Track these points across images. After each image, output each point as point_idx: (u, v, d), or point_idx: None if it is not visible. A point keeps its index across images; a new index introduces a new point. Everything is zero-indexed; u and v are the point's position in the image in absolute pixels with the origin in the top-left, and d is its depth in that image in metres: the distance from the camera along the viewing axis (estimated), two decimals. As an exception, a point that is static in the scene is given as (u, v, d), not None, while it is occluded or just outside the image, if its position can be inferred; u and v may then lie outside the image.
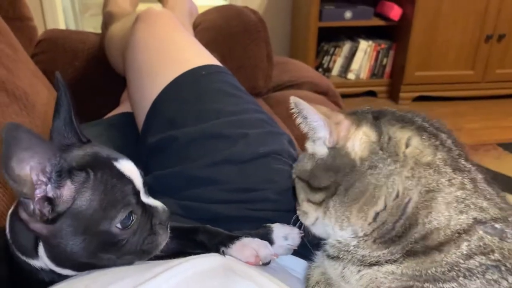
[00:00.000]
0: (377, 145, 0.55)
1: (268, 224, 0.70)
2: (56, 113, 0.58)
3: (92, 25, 3.44)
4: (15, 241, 0.56)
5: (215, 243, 0.64)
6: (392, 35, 3.24)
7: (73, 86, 1.43)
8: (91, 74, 1.53)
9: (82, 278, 0.55)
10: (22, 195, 0.50)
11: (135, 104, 1.08)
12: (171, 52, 1.08)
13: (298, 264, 0.71)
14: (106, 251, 0.55)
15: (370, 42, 3.25)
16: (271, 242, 0.67)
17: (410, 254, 0.51)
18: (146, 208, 0.57)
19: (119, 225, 0.53)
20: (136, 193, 0.56)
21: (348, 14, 3.09)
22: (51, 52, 1.54)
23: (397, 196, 0.53)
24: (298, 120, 0.60)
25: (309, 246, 0.66)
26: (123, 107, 1.31)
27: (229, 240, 0.64)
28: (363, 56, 3.27)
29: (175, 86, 0.98)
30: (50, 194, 0.51)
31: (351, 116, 0.59)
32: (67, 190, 0.51)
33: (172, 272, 0.53)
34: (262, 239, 0.66)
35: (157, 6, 1.45)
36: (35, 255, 0.55)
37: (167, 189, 0.84)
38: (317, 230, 0.62)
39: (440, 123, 0.60)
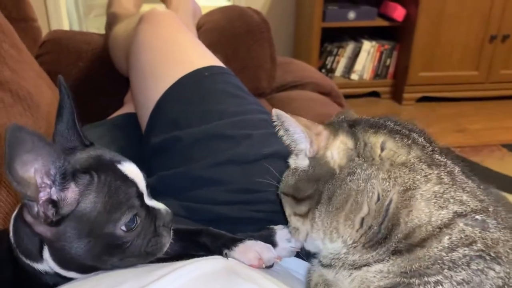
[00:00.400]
0: (354, 152, 0.57)
1: (271, 226, 0.70)
2: (59, 117, 0.58)
3: (96, 26, 3.44)
4: (19, 244, 0.56)
5: (218, 246, 0.64)
6: (396, 35, 3.24)
7: (77, 87, 1.46)
8: (95, 75, 1.53)
9: (85, 280, 0.55)
10: (26, 197, 0.50)
11: (138, 104, 1.08)
12: (174, 53, 1.08)
13: (301, 266, 0.71)
14: (110, 254, 0.55)
15: (374, 43, 3.25)
16: (274, 244, 0.67)
17: (395, 253, 0.52)
18: (149, 210, 0.57)
19: (123, 228, 0.53)
20: (140, 195, 0.56)
21: (351, 15, 3.08)
22: (55, 52, 1.55)
23: (378, 198, 0.54)
24: (281, 133, 0.61)
25: (305, 259, 0.66)
26: (127, 108, 1.31)
27: (232, 242, 0.64)
28: (367, 57, 3.26)
29: (178, 87, 0.98)
30: (55, 197, 0.51)
31: (328, 127, 0.61)
32: (71, 192, 0.51)
33: (175, 274, 0.53)
34: (265, 241, 0.66)
35: (161, 7, 1.46)
36: (39, 258, 0.55)
37: (170, 190, 0.84)
38: (309, 246, 0.63)
39: (412, 124, 0.62)
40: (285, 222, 0.71)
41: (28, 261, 0.56)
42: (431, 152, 0.57)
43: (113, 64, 1.48)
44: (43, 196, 0.50)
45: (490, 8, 3.00)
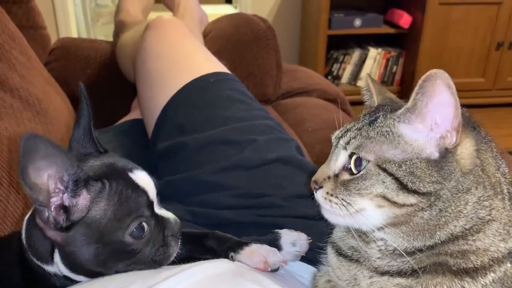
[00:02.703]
0: (478, 160, 0.51)
1: (276, 230, 0.70)
2: (76, 123, 0.59)
3: (103, 33, 3.48)
4: (31, 246, 0.57)
5: (224, 249, 0.64)
6: (402, 42, 3.24)
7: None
8: (102, 82, 1.55)
9: (92, 283, 0.56)
10: (37, 202, 0.50)
11: (145, 110, 1.09)
12: (180, 59, 1.09)
13: (306, 270, 0.71)
14: (118, 260, 0.56)
15: (380, 50, 3.25)
16: (279, 248, 0.67)
17: (432, 270, 0.50)
18: (159, 219, 0.58)
19: (132, 236, 0.54)
20: (150, 204, 0.57)
21: (357, 22, 3.09)
22: (64, 59, 1.56)
23: (471, 222, 0.51)
24: (420, 98, 0.49)
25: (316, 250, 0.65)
26: (134, 114, 1.32)
27: (238, 246, 0.64)
28: (373, 64, 3.26)
29: (184, 93, 0.99)
30: (66, 203, 0.52)
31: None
32: (83, 199, 0.52)
33: (181, 276, 0.53)
34: (270, 245, 0.66)
35: (168, 15, 1.47)
36: (50, 261, 0.56)
37: (176, 195, 0.85)
38: (349, 221, 0.54)
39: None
40: (290, 226, 0.71)
41: (38, 263, 0.57)
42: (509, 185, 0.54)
43: (121, 71, 1.50)
44: (55, 201, 0.51)
45: (496, 14, 3.00)
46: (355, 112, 1.79)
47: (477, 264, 0.49)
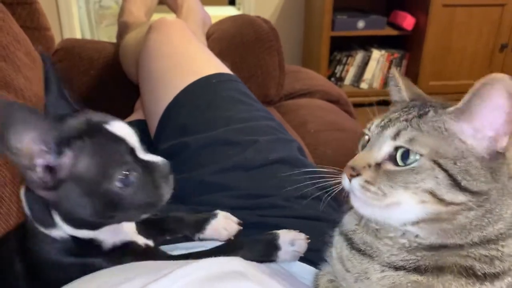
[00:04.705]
0: None
1: (274, 231, 0.71)
2: (47, 89, 0.62)
3: (107, 34, 3.49)
4: (34, 215, 0.59)
5: (187, 230, 0.73)
6: (405, 44, 3.24)
7: (89, 94, 1.48)
8: (106, 83, 1.56)
9: (92, 278, 0.57)
10: (22, 167, 0.52)
11: (148, 111, 1.10)
12: (183, 60, 1.10)
13: (307, 271, 0.71)
14: (112, 209, 0.57)
15: (383, 52, 3.25)
16: (277, 247, 0.68)
17: (455, 270, 0.49)
18: (146, 164, 0.59)
19: (118, 184, 0.55)
20: (131, 151, 0.58)
21: (360, 24, 3.09)
22: (68, 61, 1.57)
23: (509, 224, 0.50)
24: (473, 99, 0.48)
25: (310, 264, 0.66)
26: (137, 115, 1.33)
27: (201, 225, 0.73)
28: (376, 66, 3.26)
29: (186, 93, 1.00)
30: (51, 164, 0.53)
31: None
32: (66, 158, 0.54)
33: (183, 271, 0.53)
34: (268, 244, 0.68)
35: (171, 16, 1.48)
36: (52, 223, 0.58)
37: (178, 195, 0.85)
38: (380, 213, 0.52)
39: None
40: (291, 226, 0.71)
41: (43, 229, 0.59)
42: None
43: (124, 72, 1.50)
44: (40, 163, 0.53)
45: (500, 16, 3.00)
46: (357, 114, 1.79)
47: (500, 269, 0.48)
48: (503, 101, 0.47)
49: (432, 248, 0.51)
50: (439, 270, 0.49)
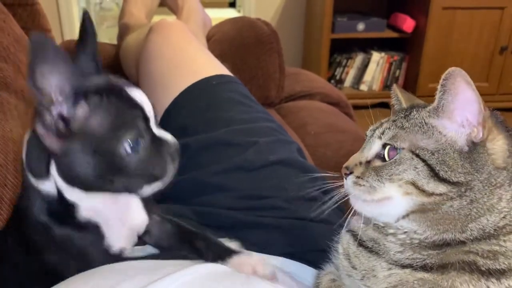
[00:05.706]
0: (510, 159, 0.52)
1: (238, 250, 0.66)
2: (80, 44, 0.61)
3: (108, 36, 3.50)
4: (29, 164, 0.59)
5: (212, 254, 0.64)
6: (405, 46, 3.24)
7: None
8: (106, 84, 1.56)
9: (87, 279, 0.56)
10: (41, 105, 0.52)
11: (148, 112, 1.10)
12: (183, 62, 1.10)
13: (306, 272, 0.71)
14: (114, 173, 0.57)
15: (383, 54, 3.25)
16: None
17: (460, 267, 0.49)
18: (156, 137, 0.59)
19: (126, 147, 0.55)
20: (146, 119, 0.58)
21: (360, 26, 3.10)
22: (68, 62, 1.57)
23: (505, 218, 0.51)
24: (444, 96, 0.52)
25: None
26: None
27: (227, 253, 0.64)
28: (376, 68, 3.27)
29: (187, 95, 1.00)
30: (65, 112, 0.54)
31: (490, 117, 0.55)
32: (81, 111, 0.54)
33: (189, 270, 0.53)
34: (216, 259, 0.64)
35: (171, 18, 1.48)
36: (46, 175, 0.58)
37: (179, 196, 0.85)
38: (374, 210, 0.55)
39: None
40: (291, 227, 0.71)
41: (34, 181, 0.58)
42: None
43: (125, 73, 1.50)
44: (55, 110, 0.53)
45: (500, 19, 3.00)
46: (357, 116, 1.79)
47: (505, 266, 0.49)
48: (467, 92, 0.51)
49: (436, 246, 0.52)
50: (443, 267, 0.50)
